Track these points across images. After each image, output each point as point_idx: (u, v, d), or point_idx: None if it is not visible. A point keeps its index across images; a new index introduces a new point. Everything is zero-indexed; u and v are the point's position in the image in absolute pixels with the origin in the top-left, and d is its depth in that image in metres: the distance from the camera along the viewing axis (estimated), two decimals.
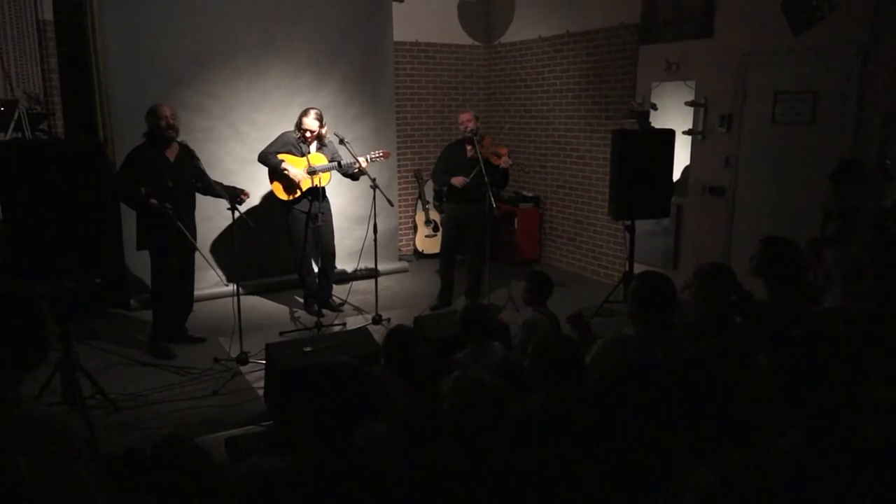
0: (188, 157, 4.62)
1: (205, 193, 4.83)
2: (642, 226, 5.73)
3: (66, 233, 3.39)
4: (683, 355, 2.58)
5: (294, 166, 5.24)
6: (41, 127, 5.27)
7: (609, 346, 2.67)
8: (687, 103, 5.73)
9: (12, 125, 4.93)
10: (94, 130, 5.64)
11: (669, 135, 5.38)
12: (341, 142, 5.15)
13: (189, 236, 4.54)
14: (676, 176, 5.68)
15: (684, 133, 5.74)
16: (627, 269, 5.62)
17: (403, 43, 7.31)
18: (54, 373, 3.68)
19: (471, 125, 5.44)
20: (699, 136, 5.73)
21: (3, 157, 3.34)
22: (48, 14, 5.67)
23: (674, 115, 5.85)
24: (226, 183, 4.79)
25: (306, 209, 5.25)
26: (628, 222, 5.55)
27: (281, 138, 5.32)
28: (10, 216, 3.37)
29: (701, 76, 5.64)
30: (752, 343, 2.59)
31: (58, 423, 1.63)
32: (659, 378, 2.36)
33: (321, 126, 5.29)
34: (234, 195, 4.55)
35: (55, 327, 3.87)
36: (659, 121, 5.85)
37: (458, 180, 5.41)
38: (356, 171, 5.31)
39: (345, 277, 6.15)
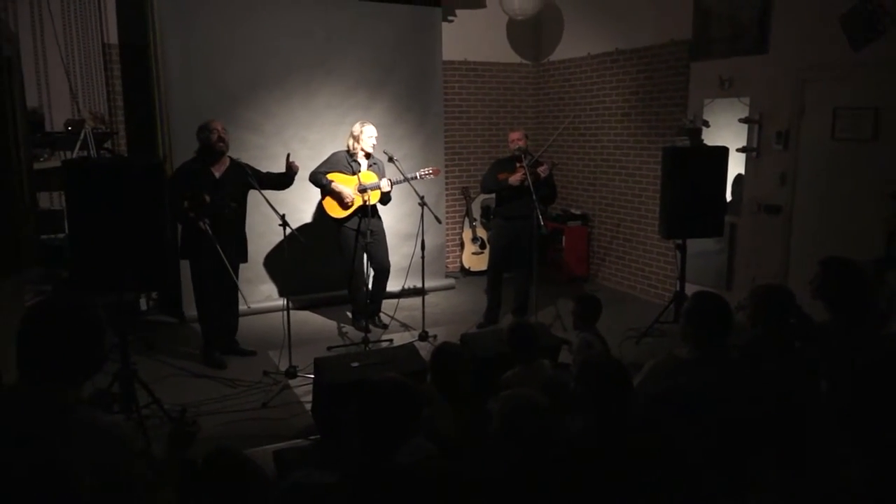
0: (237, 174, 4.75)
1: (265, 188, 4.83)
2: (694, 245, 5.61)
3: (127, 247, 3.50)
4: (739, 379, 2.51)
5: (345, 184, 5.32)
6: (105, 145, 5.51)
7: (660, 368, 2.61)
8: (741, 120, 5.61)
9: (79, 144, 5.15)
10: (155, 148, 5.85)
11: (722, 152, 5.27)
12: (390, 159, 5.22)
13: (222, 254, 4.52)
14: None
15: (738, 150, 5.62)
16: (678, 288, 5.51)
17: (452, 62, 7.38)
18: (113, 382, 3.80)
19: (521, 143, 5.44)
20: (754, 154, 5.60)
21: (70, 174, 3.49)
22: (113, 38, 5.93)
23: (726, 131, 5.73)
24: (278, 199, 4.89)
25: (356, 226, 5.32)
26: (679, 241, 5.45)
27: (331, 158, 5.41)
28: (76, 230, 3.50)
29: (755, 92, 5.53)
30: (813, 368, 2.51)
31: (116, 431, 1.68)
32: (713, 402, 2.30)
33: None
34: (290, 173, 4.94)
35: (114, 338, 4.01)
36: (711, 138, 5.75)
37: (515, 178, 5.35)
38: (387, 194, 5.36)
39: (392, 294, 6.19)
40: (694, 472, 2.14)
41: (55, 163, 5.09)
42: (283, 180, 5.02)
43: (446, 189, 7.39)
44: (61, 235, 5.06)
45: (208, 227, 4.53)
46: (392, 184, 5.32)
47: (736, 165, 5.61)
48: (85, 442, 1.59)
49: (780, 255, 5.41)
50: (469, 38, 7.46)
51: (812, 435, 2.20)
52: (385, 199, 5.43)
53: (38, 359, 1.68)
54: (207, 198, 4.59)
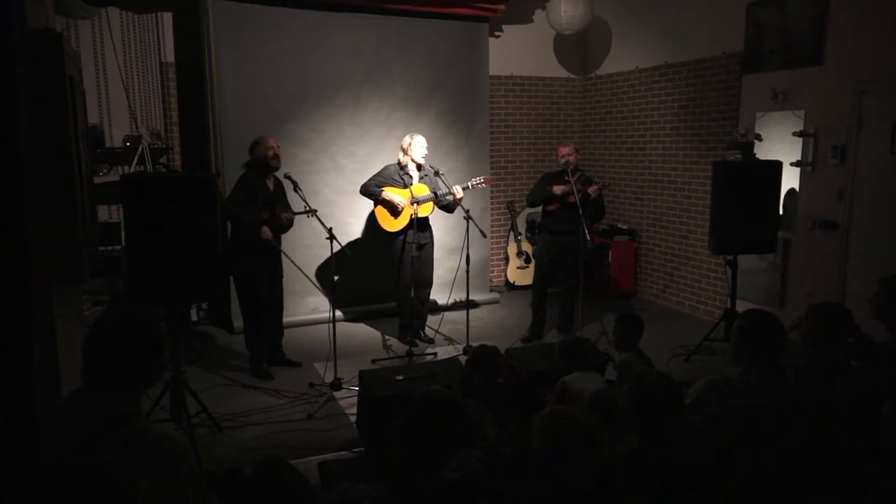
0: (281, 188, 4.89)
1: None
2: (745, 261, 5.48)
3: (180, 259, 3.59)
4: (793, 400, 2.43)
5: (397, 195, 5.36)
6: (161, 160, 5.68)
7: (712, 388, 2.55)
8: (795, 133, 5.47)
9: (136, 159, 5.32)
10: (207, 163, 6.01)
11: (776, 166, 5.14)
12: (436, 173, 5.25)
13: (292, 261, 4.72)
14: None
15: (792, 164, 5.48)
16: (729, 305, 5.38)
17: (499, 76, 7.40)
18: (164, 391, 3.88)
19: (570, 158, 5.40)
20: (808, 168, 5.45)
21: (128, 188, 3.61)
22: (170, 56, 6.14)
23: (780, 145, 5.59)
24: (326, 213, 4.96)
25: (407, 239, 5.35)
26: (730, 257, 5.32)
27: (383, 171, 5.43)
28: (132, 243, 3.61)
29: (810, 105, 5.38)
30: (873, 390, 2.41)
31: (173, 442, 1.72)
32: (766, 424, 2.23)
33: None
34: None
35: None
36: (764, 152, 5.61)
37: (559, 187, 5.33)
38: (451, 201, 5.37)
39: (436, 307, 6.21)
40: (747, 495, 2.07)
41: (114, 177, 5.26)
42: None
43: (492, 203, 7.39)
44: (118, 247, 5.23)
45: (275, 240, 4.74)
46: (454, 194, 5.25)
47: (788, 180, 5.47)
48: (143, 450, 1.63)
49: (837, 273, 5.24)
50: (516, 53, 7.48)
51: (872, 458, 2.11)
52: (451, 206, 5.44)
53: (103, 367, 1.73)
54: (286, 215, 4.80)
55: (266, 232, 4.70)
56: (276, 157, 4.83)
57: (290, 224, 4.93)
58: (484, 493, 2.02)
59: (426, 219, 5.38)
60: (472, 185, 5.39)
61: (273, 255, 4.92)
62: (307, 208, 4.74)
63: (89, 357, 1.74)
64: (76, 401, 1.75)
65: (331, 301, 5.09)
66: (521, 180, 7.71)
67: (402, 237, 5.39)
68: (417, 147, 5.33)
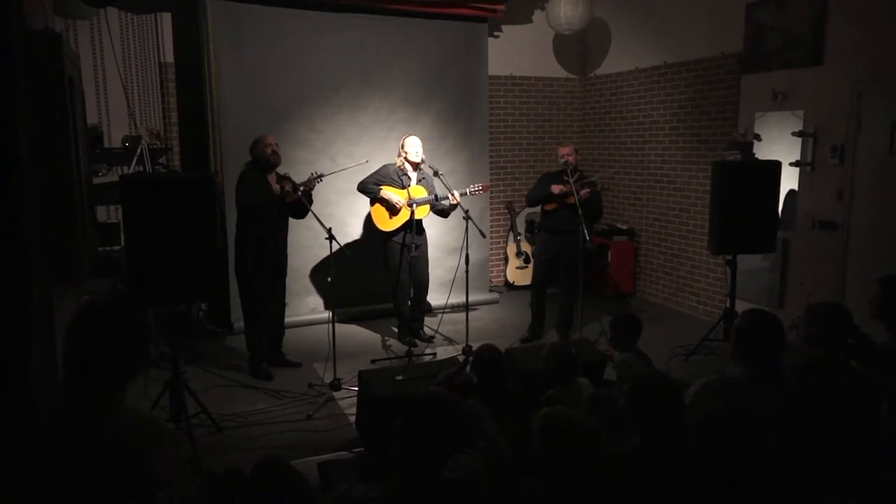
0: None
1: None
2: (745, 261, 5.48)
3: (180, 259, 3.59)
4: (793, 400, 2.43)
5: (395, 194, 5.37)
6: (160, 161, 5.68)
7: (711, 388, 2.55)
8: (794, 134, 5.48)
9: (135, 159, 5.32)
10: (207, 164, 6.01)
11: (775, 166, 5.15)
12: (436, 174, 5.25)
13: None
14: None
15: (791, 164, 5.48)
16: (728, 305, 5.38)
17: (498, 77, 7.40)
18: (164, 391, 3.89)
19: (568, 159, 5.40)
20: (808, 168, 5.45)
21: (127, 189, 3.61)
22: (169, 57, 6.13)
23: (779, 146, 5.59)
24: (325, 213, 4.95)
25: (402, 241, 5.35)
26: (729, 257, 5.32)
27: (381, 170, 5.46)
28: (131, 243, 3.61)
29: (810, 105, 5.38)
30: (872, 390, 2.41)
31: (163, 431, 1.72)
32: (765, 423, 2.23)
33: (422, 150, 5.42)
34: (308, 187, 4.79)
35: (166, 349, 4.11)
36: (763, 152, 5.62)
37: (556, 187, 5.34)
38: (447, 207, 5.38)
39: (435, 308, 6.20)
40: (747, 495, 2.07)
41: (113, 177, 5.26)
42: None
43: (491, 203, 7.39)
44: (117, 248, 5.22)
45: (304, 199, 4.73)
46: (452, 196, 5.29)
47: (788, 180, 5.47)
48: (136, 438, 1.63)
49: (836, 273, 5.24)
50: (515, 53, 7.48)
51: (871, 458, 2.11)
52: (446, 212, 5.46)
53: (80, 358, 1.71)
54: (290, 186, 4.81)
55: (277, 187, 4.74)
56: (276, 153, 4.84)
57: (290, 194, 4.78)
58: (484, 493, 2.02)
59: (420, 220, 5.39)
60: (469, 192, 5.41)
61: (277, 255, 4.92)
62: (314, 174, 4.81)
63: (68, 348, 1.73)
64: (63, 395, 1.74)
65: (328, 302, 5.09)
66: (520, 180, 7.71)
67: (396, 238, 5.39)
68: (411, 147, 5.35)
